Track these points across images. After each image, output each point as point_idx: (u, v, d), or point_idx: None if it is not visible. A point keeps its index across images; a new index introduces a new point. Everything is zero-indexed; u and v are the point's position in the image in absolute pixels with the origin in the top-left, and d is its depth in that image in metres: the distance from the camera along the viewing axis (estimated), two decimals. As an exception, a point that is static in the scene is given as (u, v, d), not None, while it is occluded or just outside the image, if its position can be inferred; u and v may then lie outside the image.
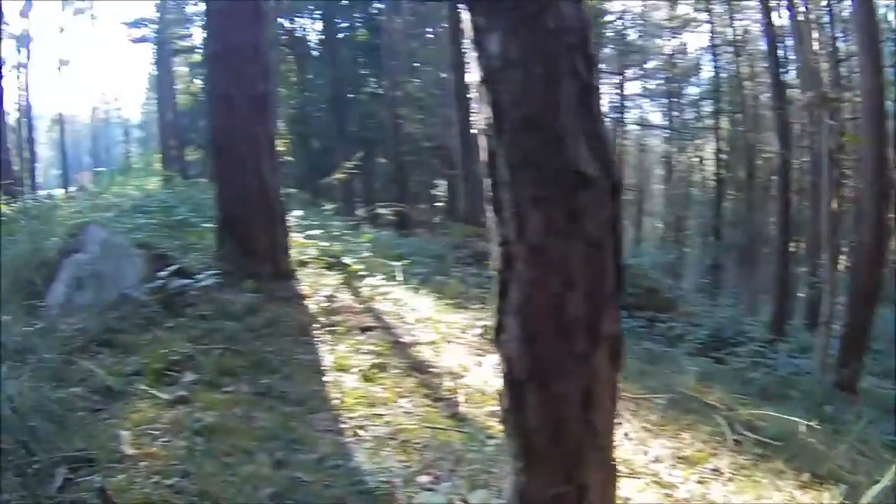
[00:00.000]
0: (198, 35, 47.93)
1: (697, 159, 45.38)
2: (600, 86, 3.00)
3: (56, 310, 7.05)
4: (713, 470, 5.27)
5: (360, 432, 5.34)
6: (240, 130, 8.72)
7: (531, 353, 3.01)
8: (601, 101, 2.95)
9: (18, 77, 44.95)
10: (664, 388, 6.78)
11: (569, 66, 2.82)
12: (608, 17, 38.59)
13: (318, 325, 7.61)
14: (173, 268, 7.61)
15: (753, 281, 34.47)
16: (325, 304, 8.15)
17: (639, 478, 5.00)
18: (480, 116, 3.01)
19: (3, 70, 28.12)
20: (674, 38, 42.48)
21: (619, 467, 4.65)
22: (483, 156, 2.99)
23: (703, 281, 37.52)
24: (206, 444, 4.76)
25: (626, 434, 5.63)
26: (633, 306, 15.35)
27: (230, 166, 8.85)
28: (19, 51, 44.69)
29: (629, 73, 43.89)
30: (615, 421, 3.33)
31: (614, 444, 3.42)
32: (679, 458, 5.36)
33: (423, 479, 4.71)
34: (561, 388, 3.03)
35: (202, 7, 42.71)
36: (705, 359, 11.28)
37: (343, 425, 5.46)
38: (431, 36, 43.71)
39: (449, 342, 7.73)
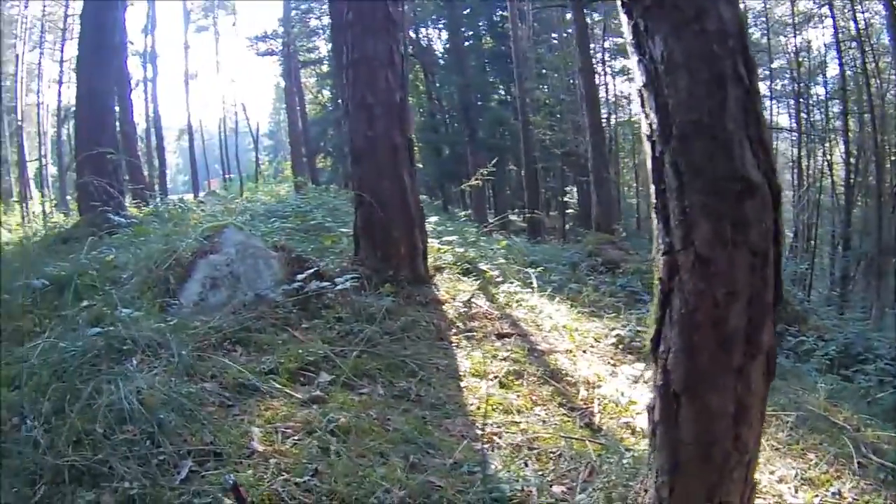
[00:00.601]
0: (323, 47, 49.63)
1: (826, 163, 43.61)
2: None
3: (189, 308, 7.20)
4: (835, 494, 5.06)
5: (496, 439, 5.30)
6: (379, 138, 8.80)
7: (689, 365, 2.96)
8: (763, 106, 2.86)
9: (146, 91, 46.82)
10: (793, 406, 6.55)
11: (732, 69, 2.76)
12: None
13: (456, 330, 7.61)
14: (311, 270, 7.70)
15: (884, 294, 33.21)
16: (463, 310, 8.13)
17: (763, 498, 4.84)
18: (644, 122, 2.95)
19: (131, 84, 29.05)
20: (797, 35, 40.63)
21: None
22: (648, 162, 2.90)
23: (833, 293, 36.22)
24: (338, 444, 4.76)
25: None
26: None
27: (370, 173, 8.93)
28: (145, 67, 46.54)
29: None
30: (761, 436, 3.24)
31: (757, 459, 3.32)
32: (803, 479, 5.17)
33: (558, 489, 4.62)
34: (716, 402, 2.97)
35: (326, 21, 43.71)
36: (833, 376, 10.94)
37: (478, 431, 5.41)
38: (556, 42, 43.65)
39: (584, 351, 7.62)
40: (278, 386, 5.60)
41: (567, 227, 37.33)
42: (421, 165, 48.95)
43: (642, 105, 2.94)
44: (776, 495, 4.89)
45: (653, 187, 2.96)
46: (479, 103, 44.50)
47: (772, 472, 5.10)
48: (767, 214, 2.79)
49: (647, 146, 2.96)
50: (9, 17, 54.01)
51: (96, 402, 4.65)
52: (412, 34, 45.41)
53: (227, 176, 52.49)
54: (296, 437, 4.82)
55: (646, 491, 3.61)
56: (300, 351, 6.24)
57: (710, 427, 3.02)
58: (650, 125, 2.89)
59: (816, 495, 4.97)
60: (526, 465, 4.90)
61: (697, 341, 2.90)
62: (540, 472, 4.80)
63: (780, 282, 2.93)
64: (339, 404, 5.39)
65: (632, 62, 3.01)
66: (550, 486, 4.61)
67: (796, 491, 4.99)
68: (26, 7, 53.20)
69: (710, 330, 2.86)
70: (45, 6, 54.36)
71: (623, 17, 3.01)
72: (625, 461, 4.76)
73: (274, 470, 4.33)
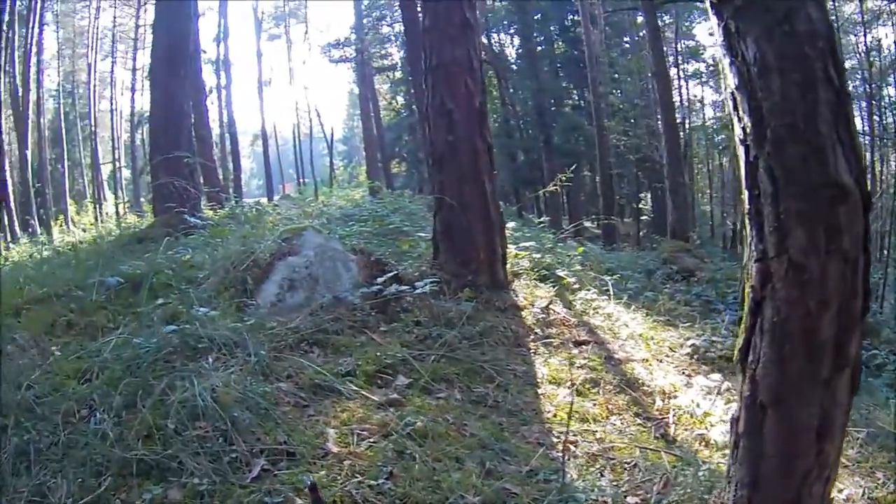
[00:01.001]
0: (396, 54, 49.91)
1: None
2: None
3: (266, 308, 7.27)
4: None
5: (572, 447, 5.23)
6: (460, 142, 8.82)
7: (778, 376, 2.90)
8: (853, 110, 2.81)
9: (220, 98, 47.99)
10: (863, 422, 6.30)
11: (822, 71, 2.71)
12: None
13: (534, 337, 7.55)
14: (390, 274, 7.74)
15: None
16: (541, 316, 8.06)
17: None
18: (737, 125, 2.90)
19: (205, 91, 29.58)
20: (867, 33, 39.55)
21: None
22: (741, 166, 2.86)
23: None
24: (414, 447, 4.74)
25: None
26: None
27: (451, 177, 8.92)
28: (218, 74, 47.53)
29: None
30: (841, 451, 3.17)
31: (836, 475, 3.25)
32: (871, 498, 4.97)
33: (632, 500, 4.57)
34: (802, 415, 2.91)
35: (399, 28, 43.97)
36: (905, 391, 10.62)
37: (554, 439, 5.36)
38: (628, 45, 43.41)
39: (659, 360, 7.51)
40: (355, 388, 5.63)
41: (641, 233, 37.05)
42: (495, 171, 49.16)
43: (735, 108, 2.90)
44: (843, 514, 4.74)
45: (746, 192, 2.91)
46: (553, 108, 44.25)
47: (840, 490, 4.94)
48: (858, 221, 2.74)
49: (740, 150, 2.91)
50: (80, 28, 55.30)
51: (169, 398, 4.76)
52: (484, 40, 45.37)
53: (301, 181, 52.97)
54: (371, 440, 4.84)
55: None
56: (378, 354, 6.27)
57: (794, 440, 2.96)
58: (744, 128, 2.85)
59: (882, 515, 4.78)
60: (601, 474, 4.85)
61: (788, 351, 2.83)
62: (615, 483, 4.75)
63: (868, 291, 2.86)
64: (416, 408, 5.40)
65: (723, 64, 2.97)
66: (625, 497, 4.57)
67: (863, 510, 4.84)
68: (97, 18, 54.15)
69: (801, 340, 2.80)
70: (115, 17, 55.42)
71: (713, 19, 2.97)
72: (700, 474, 4.68)
73: (348, 472, 4.36)
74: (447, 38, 8.81)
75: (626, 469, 4.99)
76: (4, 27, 44.25)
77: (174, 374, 5.11)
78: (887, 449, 5.79)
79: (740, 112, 2.87)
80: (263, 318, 6.89)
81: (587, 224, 30.66)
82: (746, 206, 2.89)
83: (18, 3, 46.51)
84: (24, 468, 4.13)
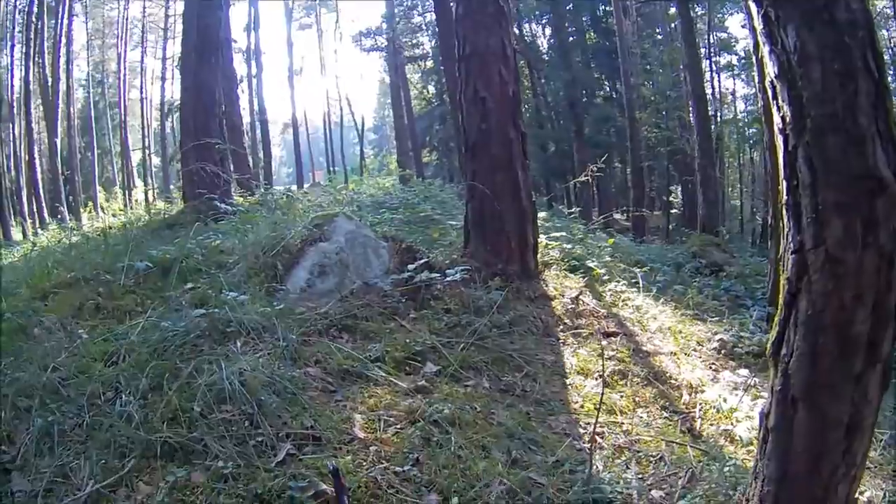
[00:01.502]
0: (427, 43, 49.98)
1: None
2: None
3: (296, 294, 7.31)
4: None
5: (598, 439, 5.20)
6: (493, 131, 8.78)
7: (811, 371, 2.88)
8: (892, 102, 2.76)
9: (251, 86, 48.50)
10: (887, 423, 5.96)
11: (862, 62, 2.68)
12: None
13: (563, 327, 7.54)
14: (422, 261, 7.76)
15: None
16: (570, 307, 8.04)
17: None
18: (776, 114, 2.89)
19: (237, 79, 29.80)
20: None
21: None
22: (780, 156, 2.84)
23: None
24: (441, 435, 4.77)
25: None
26: None
27: (484, 166, 8.88)
28: (249, 64, 48.11)
29: None
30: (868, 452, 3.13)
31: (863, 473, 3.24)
32: (891, 502, 4.86)
33: (657, 493, 4.56)
34: (832, 411, 2.90)
35: (430, 17, 44.03)
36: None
37: (581, 430, 5.37)
38: (660, 37, 43.20)
39: (686, 354, 7.47)
40: (383, 374, 5.67)
41: (670, 226, 36.91)
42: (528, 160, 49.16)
43: (774, 97, 2.88)
44: (864, 517, 4.69)
45: (784, 183, 2.89)
46: (585, 99, 44.20)
47: (861, 492, 4.78)
48: (895, 214, 2.69)
49: (778, 139, 2.89)
50: (109, 19, 55.83)
51: (196, 381, 4.81)
52: (516, 30, 45.36)
53: (331, 169, 53.13)
54: (398, 426, 4.87)
55: (748, 500, 3.51)
56: (407, 340, 6.31)
57: (824, 436, 2.95)
58: (783, 118, 2.83)
59: (904, 518, 4.71)
60: (627, 467, 4.83)
61: (821, 345, 2.81)
62: (640, 476, 4.74)
63: None
64: (444, 395, 5.42)
65: (763, 52, 2.95)
66: (650, 490, 4.56)
67: (884, 513, 4.78)
68: (126, 8, 54.70)
69: (834, 334, 2.78)
70: (144, 7, 55.95)
71: (752, 6, 2.96)
72: (726, 469, 4.65)
73: (374, 457, 4.40)
74: (481, 26, 8.77)
75: (651, 462, 4.99)
76: (34, 18, 44.78)
77: (202, 358, 5.17)
78: None
79: (780, 101, 2.84)
80: (293, 303, 6.94)
81: (617, 216, 30.56)
82: (784, 197, 2.86)
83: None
84: (47, 449, 4.21)
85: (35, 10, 45.35)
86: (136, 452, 4.16)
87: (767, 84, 2.96)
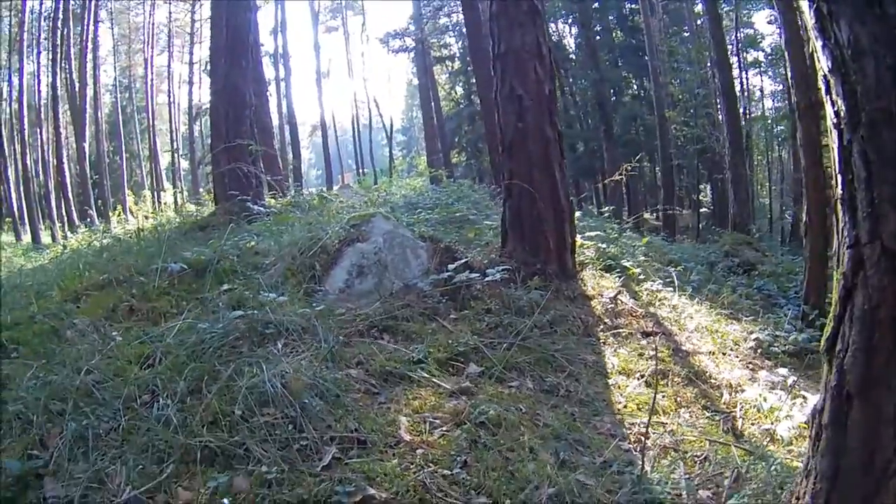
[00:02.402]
0: (454, 44, 50.41)
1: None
2: None
3: (335, 294, 7.36)
4: None
5: (643, 440, 5.14)
6: (530, 130, 8.78)
7: (866, 366, 2.87)
8: None
9: (279, 89, 49.43)
10: None
11: None
12: None
13: (603, 327, 7.56)
14: (461, 261, 7.77)
15: None
16: (609, 306, 8.06)
17: None
18: (830, 109, 2.88)
19: (266, 82, 30.02)
20: None
21: None
22: (834, 151, 2.86)
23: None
24: (488, 437, 4.75)
25: None
26: None
27: (521, 165, 8.87)
28: (277, 67, 48.89)
29: None
30: None
31: None
32: None
33: (704, 493, 4.55)
34: (887, 406, 2.88)
35: (456, 18, 44.17)
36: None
37: (626, 430, 5.38)
38: (687, 34, 43.09)
39: (724, 354, 7.48)
40: (426, 375, 5.66)
41: (701, 225, 36.78)
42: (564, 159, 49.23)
43: (828, 91, 2.89)
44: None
45: (839, 177, 2.89)
46: (614, 98, 44.24)
47: None
48: None
49: (833, 134, 2.89)
50: (135, 24, 56.47)
51: (236, 384, 4.80)
52: (542, 28, 45.46)
53: (360, 171, 53.31)
54: (444, 428, 4.85)
55: (798, 499, 3.49)
56: (449, 341, 6.31)
57: (877, 432, 2.93)
58: (837, 112, 2.83)
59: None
60: (675, 467, 4.82)
61: (877, 340, 2.81)
62: (688, 476, 4.73)
63: None
64: (489, 396, 5.40)
65: (815, 47, 2.95)
66: (697, 490, 4.55)
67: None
68: (152, 13, 55.50)
69: (890, 328, 2.77)
70: (170, 12, 56.83)
71: (803, 2, 2.94)
72: (772, 469, 4.63)
73: (421, 461, 4.36)
74: (516, 24, 8.79)
75: (697, 462, 4.99)
76: (59, 24, 45.26)
77: (241, 360, 5.17)
78: None
79: (833, 95, 2.84)
80: (332, 304, 6.96)
81: (647, 215, 30.47)
82: (839, 192, 2.87)
83: (73, 1, 47.58)
84: (81, 454, 4.14)
85: (61, 16, 45.89)
86: (175, 457, 4.12)
87: (820, 78, 2.96)
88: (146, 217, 22.44)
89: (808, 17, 2.94)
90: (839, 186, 2.87)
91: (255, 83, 18.72)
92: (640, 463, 4.67)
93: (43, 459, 4.07)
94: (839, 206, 2.90)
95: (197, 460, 4.12)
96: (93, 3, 48.89)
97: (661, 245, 15.86)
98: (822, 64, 2.89)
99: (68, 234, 37.53)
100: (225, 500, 3.78)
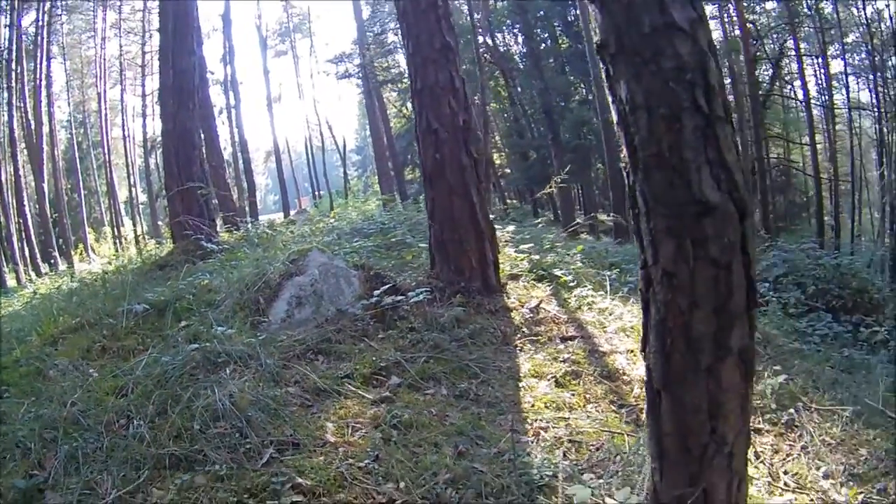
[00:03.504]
0: (402, 61, 49.56)
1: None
2: (727, 115, 3.21)
3: (277, 324, 8.05)
4: (881, 490, 5.04)
5: (542, 433, 5.76)
6: (447, 159, 9.37)
7: (665, 365, 3.36)
8: (728, 130, 3.20)
9: (230, 117, 49.29)
10: (852, 400, 6.49)
11: (690, 101, 3.11)
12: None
13: (521, 335, 8.06)
14: (387, 286, 8.34)
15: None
16: (529, 316, 8.54)
17: (806, 494, 5.01)
18: (621, 155, 3.38)
19: (215, 116, 30.11)
20: (867, 5, 37.65)
21: (789, 481, 5.02)
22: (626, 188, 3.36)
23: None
24: (399, 436, 5.47)
25: (803, 447, 5.57)
26: (840, 309, 14.88)
27: (440, 193, 9.49)
28: (227, 94, 48.82)
29: (830, 50, 40.44)
30: (747, 429, 3.56)
31: (747, 450, 3.64)
32: (851, 475, 5.20)
33: (588, 476, 5.03)
34: (688, 398, 3.37)
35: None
36: (905, 368, 10.45)
37: (528, 427, 5.90)
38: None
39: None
40: (353, 388, 6.37)
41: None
42: (508, 171, 49.15)
43: (620, 139, 3.35)
44: (820, 491, 5.03)
45: (630, 212, 3.37)
46: (562, 104, 44.29)
47: (818, 468, 5.26)
48: (730, 230, 3.14)
49: (624, 175, 3.38)
50: (87, 59, 56.04)
51: (194, 404, 5.58)
52: (489, 40, 45.53)
53: (316, 193, 53.32)
54: (363, 431, 5.57)
55: (646, 476, 4.10)
56: (374, 358, 6.97)
57: (685, 420, 3.40)
58: (624, 158, 3.33)
59: (861, 492, 5.01)
60: (565, 455, 5.34)
61: (670, 344, 3.29)
62: (576, 462, 5.28)
63: (754, 288, 3.27)
64: (405, 403, 6.09)
65: (610, 102, 3.40)
66: (582, 473, 5.07)
67: (841, 487, 5.07)
68: (103, 48, 55.30)
69: (678, 334, 3.26)
70: (121, 45, 56.26)
71: (600, 64, 3.45)
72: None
73: (342, 456, 5.12)
74: (430, 62, 9.33)
75: (590, 450, 5.48)
76: (13, 65, 44.94)
77: (198, 385, 5.92)
78: (873, 426, 5.99)
79: (622, 144, 3.31)
80: (275, 332, 7.65)
81: (602, 217, 30.59)
82: (631, 223, 3.37)
83: (25, 38, 47.13)
84: (73, 469, 4.88)
85: (14, 56, 45.71)
86: (149, 465, 4.90)
87: (616, 128, 3.39)
88: (109, 261, 22.76)
89: (603, 80, 3.40)
90: (631, 219, 3.35)
91: (203, 120, 19.17)
92: (530, 453, 5.30)
93: (42, 477, 4.82)
94: (633, 235, 3.41)
95: (166, 466, 4.93)
96: (44, 39, 48.78)
97: (603, 249, 16.61)
98: (613, 117, 3.36)
99: (32, 276, 37.59)
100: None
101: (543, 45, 47.07)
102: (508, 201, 43.30)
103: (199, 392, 5.77)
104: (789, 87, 43.06)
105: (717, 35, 38.77)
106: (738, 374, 3.35)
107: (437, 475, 4.87)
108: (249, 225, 16.86)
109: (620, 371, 7.26)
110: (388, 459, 5.07)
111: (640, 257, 3.41)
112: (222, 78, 47.82)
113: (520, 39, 49.60)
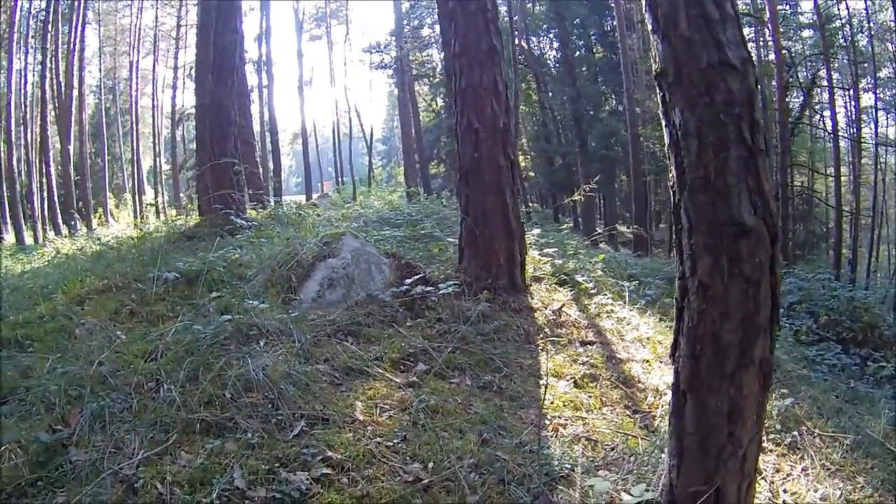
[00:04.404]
0: (436, 55, 49.75)
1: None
2: (767, 148, 3.51)
3: (308, 303, 8.20)
4: None
5: (560, 429, 5.98)
6: (484, 159, 9.60)
7: (693, 369, 3.64)
8: (767, 162, 3.51)
9: (261, 96, 49.03)
10: (854, 429, 6.69)
11: (735, 133, 3.42)
12: (836, 24, 35.70)
13: (543, 336, 8.32)
14: (418, 276, 8.62)
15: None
16: (552, 318, 8.83)
17: None
18: (672, 174, 3.65)
19: (250, 97, 30.09)
20: None
21: (788, 500, 5.16)
22: (673, 206, 3.64)
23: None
24: (426, 419, 5.63)
25: (804, 469, 5.70)
26: (850, 341, 14.87)
27: (475, 191, 9.72)
28: (260, 74, 48.64)
29: (862, 83, 39.08)
30: (760, 435, 3.81)
31: (758, 455, 3.90)
32: (847, 500, 5.32)
33: (604, 473, 5.23)
34: (712, 401, 3.64)
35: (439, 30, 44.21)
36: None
37: (547, 422, 6.10)
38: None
39: (661, 362, 8.01)
40: (381, 371, 6.55)
41: (673, 240, 36.75)
42: (532, 174, 49.03)
43: (670, 159, 3.66)
44: (816, 512, 5.21)
45: (674, 226, 3.66)
46: (591, 113, 44.44)
47: (816, 490, 5.38)
48: (762, 251, 3.44)
49: (671, 192, 3.68)
50: (121, 27, 55.87)
51: (226, 373, 5.73)
52: (524, 44, 45.51)
53: (339, 179, 53.27)
54: (391, 412, 5.78)
55: (663, 472, 4.32)
56: (403, 344, 7.17)
57: (707, 421, 3.67)
58: (672, 178, 3.62)
59: (854, 516, 5.13)
60: (582, 452, 5.53)
61: (699, 350, 3.56)
62: (592, 459, 5.49)
63: (777, 306, 3.56)
64: (432, 389, 6.29)
65: (663, 126, 3.71)
66: (598, 469, 5.29)
67: (837, 510, 5.19)
68: (139, 17, 55.14)
69: (708, 342, 3.53)
70: (157, 16, 56.18)
71: (657, 90, 3.76)
72: (664, 454, 5.32)
73: (370, 435, 5.31)
74: (475, 62, 9.54)
75: (605, 449, 5.69)
76: (50, 27, 45.00)
77: (230, 355, 6.06)
78: (872, 456, 6.13)
79: (671, 165, 3.62)
80: (306, 311, 7.81)
81: (622, 229, 30.62)
82: (674, 237, 3.65)
83: (62, 2, 47.12)
84: (99, 427, 4.98)
85: (50, 18, 45.80)
86: (178, 429, 5.01)
87: (667, 149, 3.70)
88: (134, 226, 22.74)
89: (659, 103, 3.71)
90: (674, 233, 3.66)
91: (238, 97, 19.18)
92: (550, 446, 5.52)
93: (67, 433, 4.86)
94: (675, 249, 3.71)
95: (196, 431, 5.05)
96: (81, 3, 48.71)
97: (623, 260, 16.37)
98: (665, 139, 3.66)
99: (51, 235, 37.67)
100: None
101: (578, 52, 47.02)
102: (530, 204, 43.10)
103: (231, 362, 5.92)
104: (819, 116, 42.83)
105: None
106: (757, 382, 3.62)
107: (461, 459, 5.08)
108: (275, 204, 17.01)
109: (636, 378, 7.47)
110: (415, 441, 5.28)
111: (678, 269, 3.67)
112: (256, 57, 47.67)
113: (555, 45, 49.64)
